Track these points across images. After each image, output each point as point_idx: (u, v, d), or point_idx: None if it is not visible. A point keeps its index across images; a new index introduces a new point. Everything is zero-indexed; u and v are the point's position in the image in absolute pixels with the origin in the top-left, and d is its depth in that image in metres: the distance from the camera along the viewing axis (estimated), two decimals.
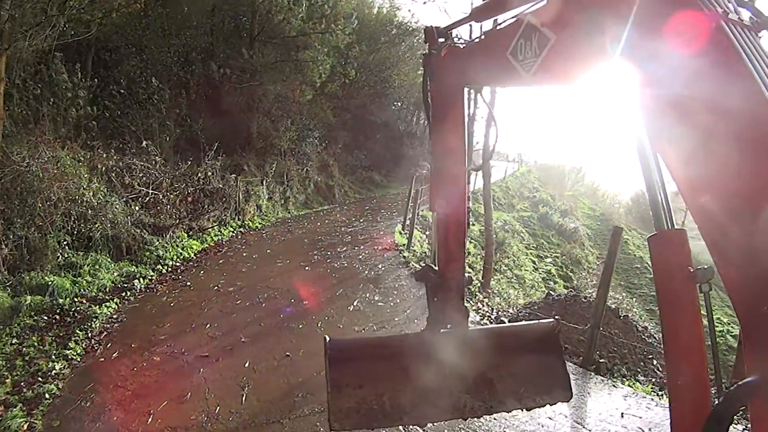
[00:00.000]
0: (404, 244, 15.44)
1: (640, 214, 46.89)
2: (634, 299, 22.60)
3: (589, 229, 36.72)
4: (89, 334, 7.62)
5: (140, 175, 13.70)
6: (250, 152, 21.15)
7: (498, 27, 3.40)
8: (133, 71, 16.92)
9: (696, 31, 2.02)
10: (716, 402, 2.00)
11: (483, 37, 3.55)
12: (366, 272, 12.40)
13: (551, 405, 4.35)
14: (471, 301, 11.33)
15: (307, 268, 12.48)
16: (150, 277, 10.74)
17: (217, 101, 20.45)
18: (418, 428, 5.41)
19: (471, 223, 17.00)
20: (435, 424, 5.26)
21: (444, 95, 4.02)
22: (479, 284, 14.66)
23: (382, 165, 33.00)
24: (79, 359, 6.87)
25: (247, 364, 6.89)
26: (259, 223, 18.15)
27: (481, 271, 16.60)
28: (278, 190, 21.35)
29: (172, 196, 14.29)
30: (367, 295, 10.50)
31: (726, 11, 2.07)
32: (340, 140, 28.86)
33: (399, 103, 37.89)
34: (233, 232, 16.25)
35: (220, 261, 12.73)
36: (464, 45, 3.91)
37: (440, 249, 4.18)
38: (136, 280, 10.22)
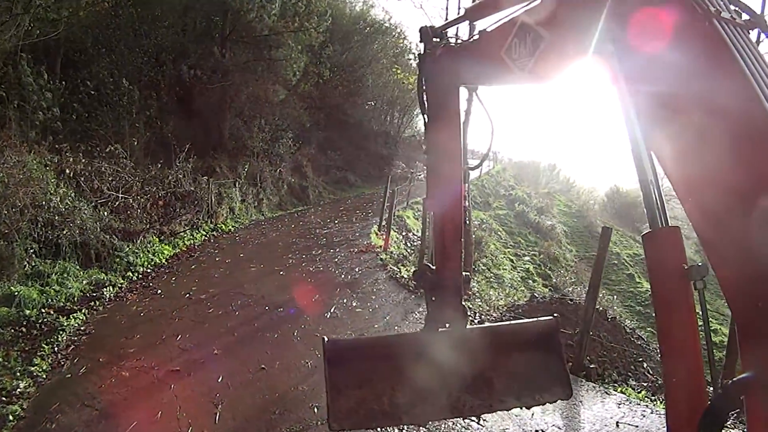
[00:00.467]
0: (381, 246, 15.32)
1: (615, 210, 47.37)
2: (615, 297, 22.82)
3: (566, 227, 36.76)
4: (56, 348, 7.33)
5: (110, 178, 13.40)
6: (222, 154, 20.86)
7: (492, 26, 3.44)
8: (103, 72, 16.50)
9: (689, 29, 2.10)
10: (712, 399, 2.09)
11: (478, 36, 3.62)
12: (343, 276, 12.25)
13: (551, 403, 4.47)
14: None
15: (281, 272, 12.26)
16: (120, 285, 10.45)
17: (189, 102, 20.30)
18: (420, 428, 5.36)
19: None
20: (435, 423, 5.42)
21: (439, 95, 4.08)
22: None
23: (356, 165, 32.77)
24: (44, 376, 6.59)
25: (220, 379, 6.66)
26: (232, 226, 17.85)
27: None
28: (251, 192, 21.03)
29: (142, 199, 13.96)
30: (345, 300, 10.34)
31: (718, 10, 2.13)
32: (314, 140, 28.72)
33: (373, 103, 37.99)
34: (206, 235, 15.94)
35: (192, 266, 12.49)
36: (459, 45, 3.98)
37: (437, 248, 4.21)
38: (106, 289, 9.91)
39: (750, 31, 2.28)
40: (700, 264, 2.23)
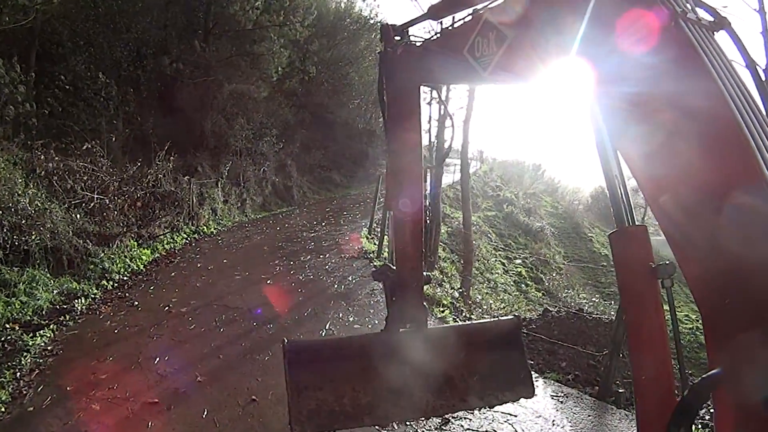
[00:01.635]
0: (373, 251, 14.52)
1: (600, 211, 47.16)
2: (605, 299, 22.57)
3: (553, 228, 36.55)
4: (18, 374, 6.46)
5: (85, 178, 12.53)
6: (204, 152, 20.04)
7: (455, 24, 3.52)
8: (80, 66, 15.78)
9: (655, 29, 2.13)
10: (681, 395, 2.11)
11: (440, 34, 3.72)
12: (335, 286, 11.41)
13: (514, 402, 4.51)
14: (455, 316, 10.52)
15: (269, 281, 11.43)
16: (93, 296, 9.60)
17: (170, 99, 19.56)
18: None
19: (438, 223, 16.42)
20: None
21: (400, 94, 4.08)
22: (459, 294, 13.77)
23: (342, 164, 32.14)
24: (3, 409, 5.74)
25: (205, 414, 5.84)
26: (215, 228, 17.03)
27: (459, 279, 15.84)
28: (234, 192, 20.28)
29: (119, 200, 13.11)
30: (340, 314, 9.50)
31: (684, 10, 2.19)
32: (298, 139, 27.91)
33: (357, 101, 37.27)
34: (187, 238, 15.12)
35: (172, 273, 11.65)
36: (421, 43, 3.97)
37: (397, 248, 4.27)
38: (78, 300, 9.07)
39: (715, 32, 2.32)
40: (667, 262, 2.34)
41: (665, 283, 2.35)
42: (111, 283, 10.47)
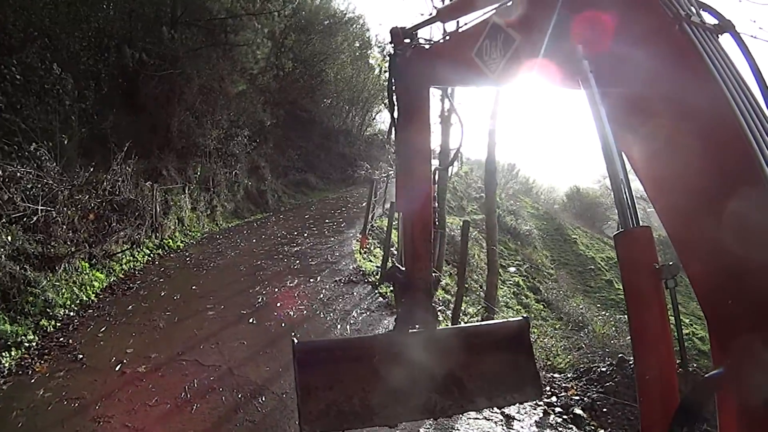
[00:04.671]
0: (374, 272, 12.50)
1: (576, 210, 49.12)
2: (600, 307, 23.26)
3: (537, 230, 35.97)
4: None
5: (28, 186, 10.40)
6: (169, 154, 18.06)
7: (463, 27, 3.47)
8: (33, 57, 13.72)
9: (659, 32, 2.16)
10: (684, 395, 2.04)
11: (449, 37, 3.72)
12: (338, 327, 9.30)
13: (521, 403, 5.20)
14: None
15: (251, 320, 9.25)
16: (27, 345, 7.56)
17: (133, 95, 17.57)
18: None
19: (443, 234, 15.43)
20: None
21: (409, 96, 4.07)
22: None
23: (317, 166, 30.71)
24: None
25: None
26: (182, 242, 15.09)
27: (478, 305, 13.87)
28: (203, 198, 18.47)
29: (70, 212, 11.05)
30: None
31: (688, 13, 2.18)
32: (272, 139, 26.49)
33: (329, 100, 37.09)
34: (149, 255, 13.19)
35: (130, 306, 9.60)
36: (430, 45, 3.96)
37: (407, 249, 4.20)
38: (5, 353, 7.04)
39: (719, 35, 2.31)
40: (671, 263, 2.26)
41: (669, 283, 2.22)
42: (53, 322, 8.48)
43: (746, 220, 1.82)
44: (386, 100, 4.71)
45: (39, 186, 10.63)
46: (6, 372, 6.72)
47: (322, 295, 10.85)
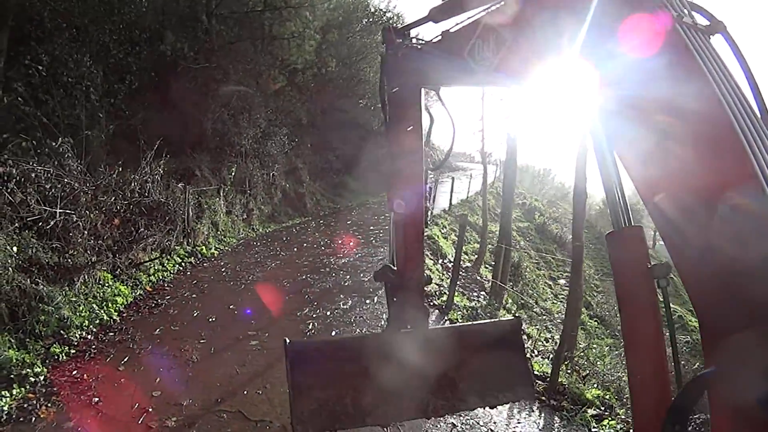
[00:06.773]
0: (436, 293, 11.02)
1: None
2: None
3: None
4: None
5: (47, 186, 9.08)
6: (203, 153, 16.98)
7: (455, 27, 3.52)
8: (60, 49, 12.69)
9: (652, 33, 2.20)
10: (677, 394, 2.14)
11: (441, 37, 3.69)
12: None
13: (514, 402, 5.11)
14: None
15: None
16: (33, 379, 6.21)
17: (165, 90, 16.38)
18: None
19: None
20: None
21: (402, 95, 4.07)
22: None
23: (355, 168, 29.32)
24: None
25: None
26: (216, 248, 13.80)
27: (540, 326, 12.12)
28: (239, 200, 17.26)
29: (92, 216, 9.74)
30: None
31: (680, 14, 2.30)
32: (308, 139, 25.40)
33: (365, 101, 35.13)
34: (180, 264, 11.89)
35: (157, 330, 8.23)
36: (422, 45, 3.98)
37: (398, 248, 4.21)
38: (5, 395, 5.70)
39: (711, 36, 2.35)
40: (663, 262, 2.39)
41: (660, 282, 2.38)
42: (66, 348, 7.15)
43: (737, 220, 1.86)
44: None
45: (59, 186, 9.31)
46: (4, 418, 5.38)
47: (383, 322, 9.20)
